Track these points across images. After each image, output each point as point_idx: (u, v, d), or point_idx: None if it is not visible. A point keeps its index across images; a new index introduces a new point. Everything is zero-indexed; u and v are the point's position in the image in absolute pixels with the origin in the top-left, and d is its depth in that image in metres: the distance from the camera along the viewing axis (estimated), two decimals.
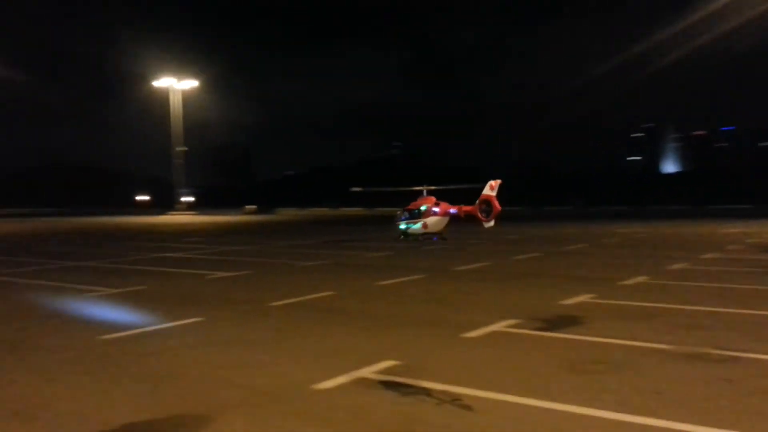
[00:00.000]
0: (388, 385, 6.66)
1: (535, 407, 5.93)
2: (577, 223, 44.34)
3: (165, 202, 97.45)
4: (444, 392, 6.38)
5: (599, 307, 10.98)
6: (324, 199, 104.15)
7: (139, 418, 5.78)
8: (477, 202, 9.76)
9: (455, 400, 6.16)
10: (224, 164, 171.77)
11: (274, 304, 11.64)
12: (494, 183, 9.49)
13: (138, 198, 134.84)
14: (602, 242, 26.30)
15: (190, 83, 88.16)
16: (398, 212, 10.50)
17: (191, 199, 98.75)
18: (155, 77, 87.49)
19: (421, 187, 10.74)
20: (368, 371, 7.11)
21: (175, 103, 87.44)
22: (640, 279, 14.38)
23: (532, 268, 16.97)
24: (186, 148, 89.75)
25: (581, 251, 22.18)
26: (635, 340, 8.47)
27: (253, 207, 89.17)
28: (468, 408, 5.93)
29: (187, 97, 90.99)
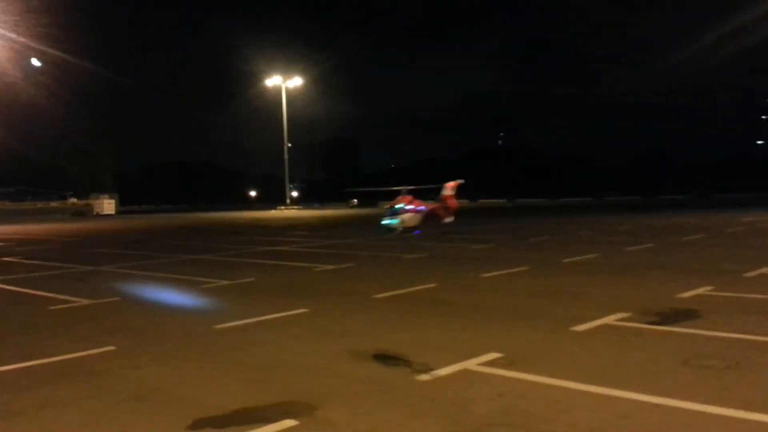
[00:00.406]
0: (492, 377, 6.57)
1: (647, 403, 5.64)
2: (698, 213, 41.96)
3: (274, 197, 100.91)
4: (549, 386, 6.20)
5: (719, 300, 10.32)
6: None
7: (247, 404, 5.99)
8: (440, 201, 10.52)
9: (561, 393, 5.98)
10: (330, 158, 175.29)
11: (378, 296, 11.75)
12: (451, 184, 10.52)
13: (249, 193, 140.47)
14: (724, 232, 24.74)
15: (298, 81, 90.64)
16: (386, 208, 11.40)
17: (296, 193, 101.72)
18: (265, 76, 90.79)
19: (400, 187, 11.70)
20: (472, 363, 7.03)
21: (284, 101, 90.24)
22: (766, 270, 13.40)
23: (646, 260, 16.21)
24: (290, 144, 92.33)
25: (700, 242, 20.95)
26: (759, 334, 7.90)
27: (354, 201, 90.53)
28: (574, 402, 5.74)
29: (295, 94, 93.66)
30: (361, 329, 9.15)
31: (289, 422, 5.45)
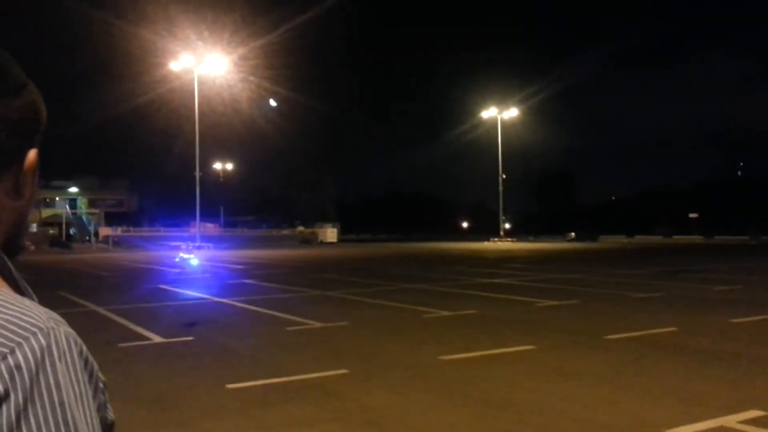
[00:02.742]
0: None
1: None
2: None
3: (484, 229, 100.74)
4: None
5: None
6: (655, 225, 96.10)
7: None
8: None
9: None
10: (545, 189, 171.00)
11: (610, 337, 10.96)
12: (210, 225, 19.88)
13: (461, 224, 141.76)
14: None
15: (513, 111, 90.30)
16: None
17: (509, 225, 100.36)
18: (481, 108, 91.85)
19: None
20: (731, 420, 6.18)
21: (499, 132, 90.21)
22: None
23: None
24: (504, 176, 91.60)
25: None
26: None
27: (571, 234, 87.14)
28: None
29: (511, 125, 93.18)
30: (594, 371, 8.54)
31: None
